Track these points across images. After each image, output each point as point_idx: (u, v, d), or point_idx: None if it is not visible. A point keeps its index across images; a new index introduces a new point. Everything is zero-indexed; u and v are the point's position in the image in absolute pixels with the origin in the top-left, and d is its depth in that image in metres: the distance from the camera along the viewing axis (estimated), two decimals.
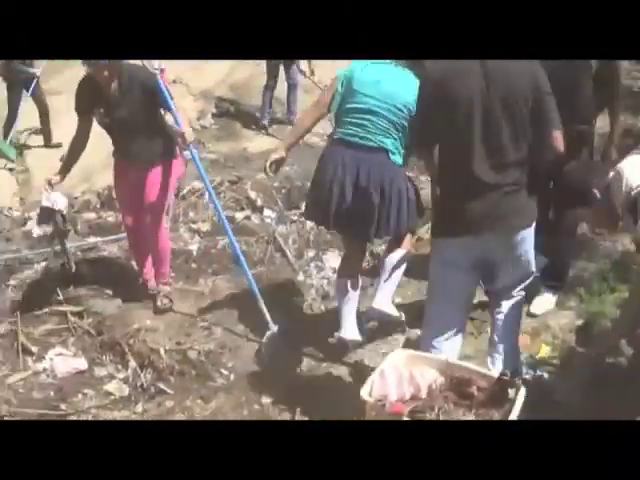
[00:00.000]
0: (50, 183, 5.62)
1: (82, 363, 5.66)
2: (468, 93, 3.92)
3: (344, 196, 4.96)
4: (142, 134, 5.75)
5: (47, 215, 5.77)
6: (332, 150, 5.12)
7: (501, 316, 4.41)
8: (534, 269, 4.45)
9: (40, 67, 11.15)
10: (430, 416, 3.49)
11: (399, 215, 5.03)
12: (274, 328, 5.57)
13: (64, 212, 5.89)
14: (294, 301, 6.33)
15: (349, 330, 5.27)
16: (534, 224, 4.20)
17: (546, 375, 4.78)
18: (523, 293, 4.46)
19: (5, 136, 11.38)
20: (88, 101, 5.68)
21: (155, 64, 11.52)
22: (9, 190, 10.21)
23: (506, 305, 4.40)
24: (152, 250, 6.17)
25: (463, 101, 3.93)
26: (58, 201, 5.68)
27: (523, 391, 3.59)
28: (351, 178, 4.94)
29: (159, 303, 6.09)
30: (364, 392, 3.62)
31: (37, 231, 7.76)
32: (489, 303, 4.69)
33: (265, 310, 5.66)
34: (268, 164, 5.22)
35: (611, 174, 3.94)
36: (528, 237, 4.19)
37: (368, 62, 4.98)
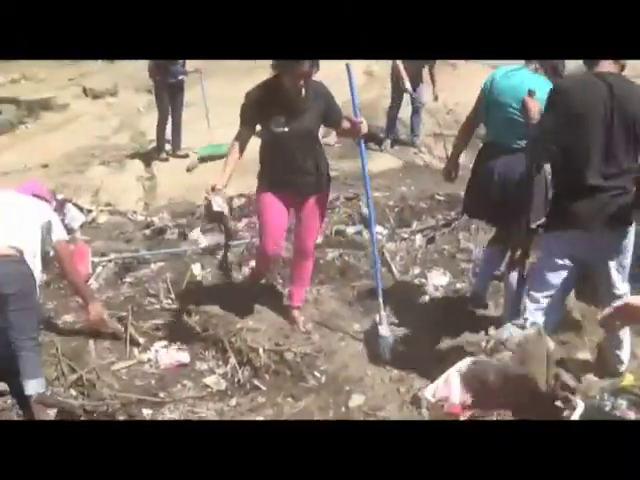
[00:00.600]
0: (214, 189, 5.37)
1: (185, 357, 5.90)
2: (593, 107, 4.41)
3: (503, 191, 5.41)
4: (314, 156, 5.70)
5: (218, 219, 5.80)
6: (487, 152, 5.61)
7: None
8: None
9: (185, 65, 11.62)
10: None
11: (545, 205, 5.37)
12: (385, 328, 5.75)
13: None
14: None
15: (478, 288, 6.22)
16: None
17: (625, 404, 4.69)
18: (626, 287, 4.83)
19: (159, 140, 11.99)
20: (265, 107, 5.40)
21: None
22: (135, 195, 10.67)
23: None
24: (301, 275, 6.19)
25: (587, 113, 4.42)
26: (222, 204, 5.75)
27: (582, 405, 3.63)
28: (506, 176, 5.39)
29: (302, 328, 6.10)
30: (428, 393, 3.74)
31: (205, 241, 8.07)
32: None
33: (382, 305, 5.85)
34: (444, 175, 6.06)
35: None
36: (630, 232, 4.66)
37: (507, 70, 5.42)
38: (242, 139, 5.51)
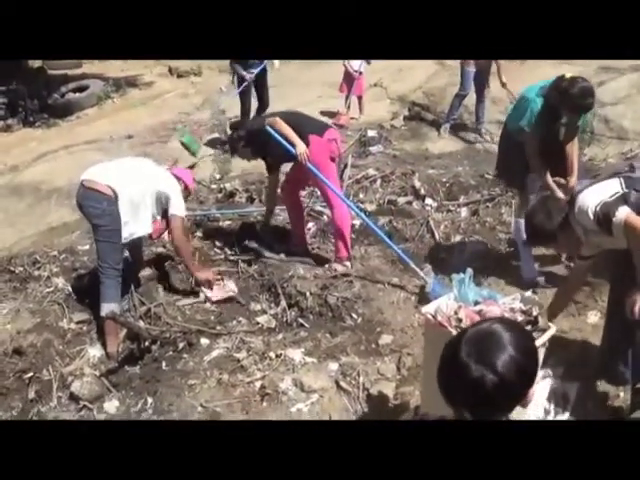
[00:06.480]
0: None
1: (232, 286, 6.80)
2: None
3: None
4: None
5: None
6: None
7: None
8: None
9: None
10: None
11: None
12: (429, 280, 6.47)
13: None
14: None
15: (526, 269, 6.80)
16: None
17: None
18: None
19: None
20: None
21: (355, 66, 12.44)
22: (211, 166, 11.44)
23: None
24: None
25: None
26: None
27: (553, 329, 4.13)
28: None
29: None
30: (425, 309, 4.34)
31: None
32: None
33: (416, 268, 6.58)
34: None
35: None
36: None
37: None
38: None
